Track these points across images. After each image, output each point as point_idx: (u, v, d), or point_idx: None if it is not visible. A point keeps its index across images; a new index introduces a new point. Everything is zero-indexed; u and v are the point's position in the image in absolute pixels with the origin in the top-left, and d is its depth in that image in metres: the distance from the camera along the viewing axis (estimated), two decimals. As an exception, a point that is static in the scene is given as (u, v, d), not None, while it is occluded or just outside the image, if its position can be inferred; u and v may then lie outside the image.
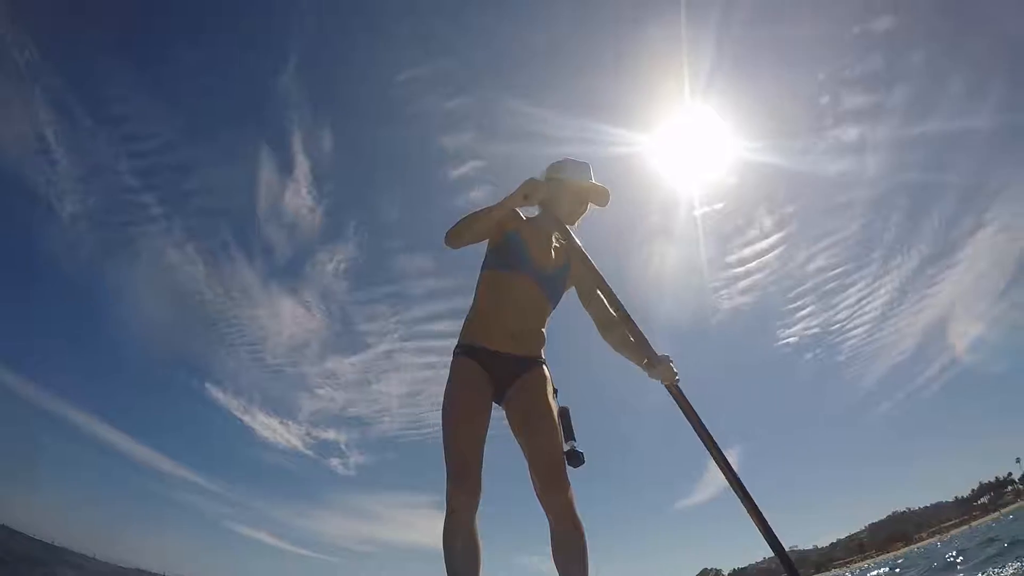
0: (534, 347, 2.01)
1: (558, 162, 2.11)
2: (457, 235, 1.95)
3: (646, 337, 1.97)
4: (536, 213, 2.10)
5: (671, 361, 1.94)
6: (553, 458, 1.81)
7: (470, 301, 2.06)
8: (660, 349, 1.96)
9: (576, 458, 1.86)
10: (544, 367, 2.00)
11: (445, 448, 1.79)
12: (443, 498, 1.71)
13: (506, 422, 1.94)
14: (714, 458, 1.88)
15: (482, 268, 2.07)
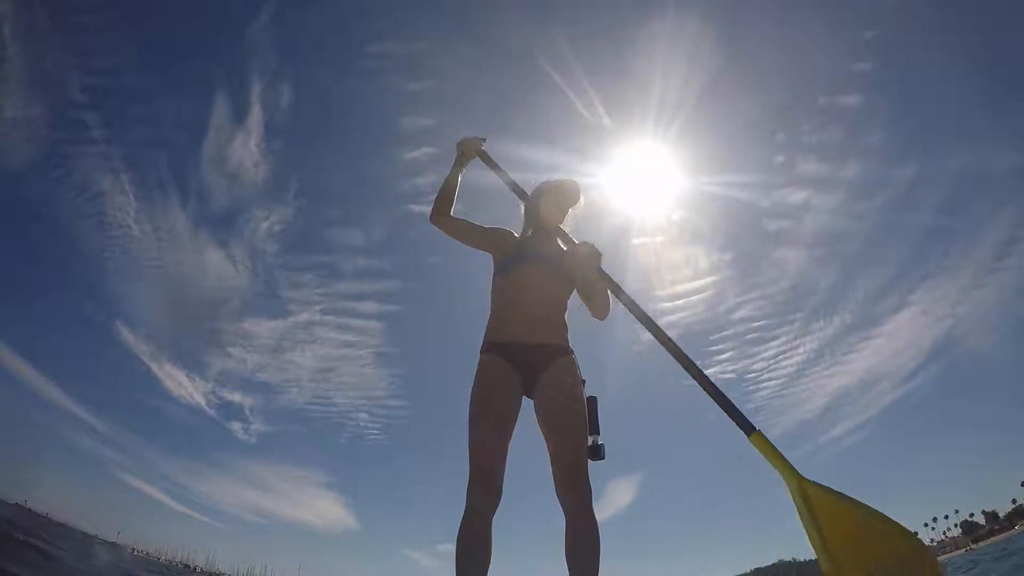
0: (556, 333, 2.00)
1: (547, 181, 2.23)
2: (434, 211, 2.20)
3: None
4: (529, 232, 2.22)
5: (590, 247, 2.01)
6: (574, 457, 1.78)
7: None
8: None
9: (597, 452, 1.82)
10: (571, 356, 1.98)
11: (469, 448, 1.79)
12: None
13: (533, 415, 1.90)
14: (657, 336, 1.90)
15: (492, 282, 2.13)
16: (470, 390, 1.90)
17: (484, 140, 2.33)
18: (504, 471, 1.79)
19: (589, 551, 1.69)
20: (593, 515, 1.74)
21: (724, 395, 1.77)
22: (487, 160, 2.34)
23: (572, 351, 2.00)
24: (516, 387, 1.89)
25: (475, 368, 1.95)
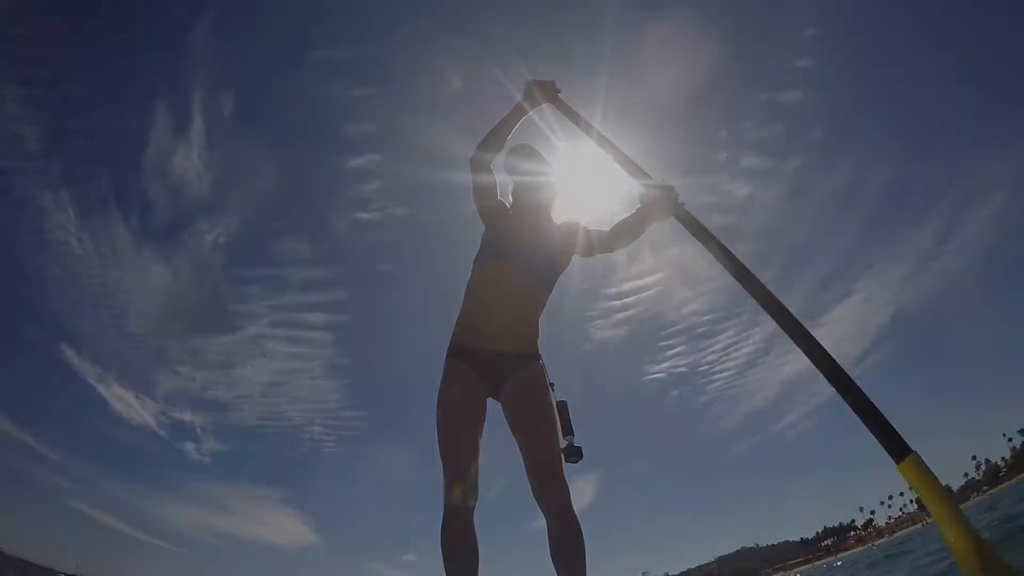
0: (525, 342, 1.96)
1: (521, 148, 2.15)
2: (479, 151, 2.07)
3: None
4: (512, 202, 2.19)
5: (669, 187, 1.99)
6: (548, 458, 1.78)
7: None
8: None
9: (575, 453, 1.81)
10: (539, 362, 1.95)
11: (439, 450, 1.79)
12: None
13: (504, 419, 1.89)
14: (751, 291, 1.68)
15: (472, 267, 2.06)
16: (430, 395, 1.89)
17: (556, 85, 2.15)
18: (477, 467, 1.78)
19: (573, 550, 1.68)
20: (573, 514, 1.73)
21: (869, 406, 1.26)
22: (563, 109, 2.12)
23: (540, 356, 1.97)
24: (481, 388, 1.88)
25: (433, 373, 1.93)
